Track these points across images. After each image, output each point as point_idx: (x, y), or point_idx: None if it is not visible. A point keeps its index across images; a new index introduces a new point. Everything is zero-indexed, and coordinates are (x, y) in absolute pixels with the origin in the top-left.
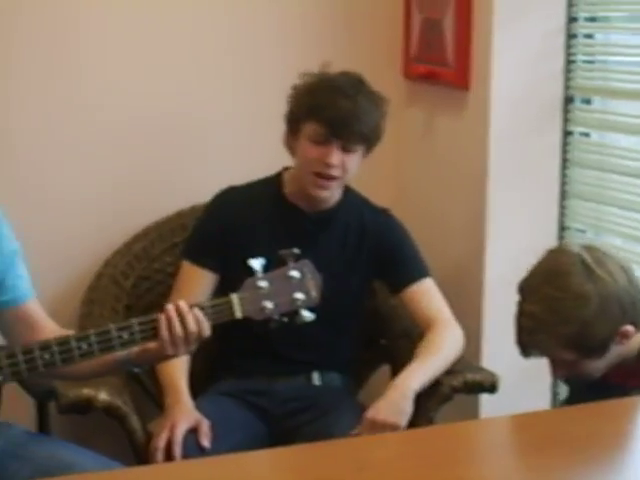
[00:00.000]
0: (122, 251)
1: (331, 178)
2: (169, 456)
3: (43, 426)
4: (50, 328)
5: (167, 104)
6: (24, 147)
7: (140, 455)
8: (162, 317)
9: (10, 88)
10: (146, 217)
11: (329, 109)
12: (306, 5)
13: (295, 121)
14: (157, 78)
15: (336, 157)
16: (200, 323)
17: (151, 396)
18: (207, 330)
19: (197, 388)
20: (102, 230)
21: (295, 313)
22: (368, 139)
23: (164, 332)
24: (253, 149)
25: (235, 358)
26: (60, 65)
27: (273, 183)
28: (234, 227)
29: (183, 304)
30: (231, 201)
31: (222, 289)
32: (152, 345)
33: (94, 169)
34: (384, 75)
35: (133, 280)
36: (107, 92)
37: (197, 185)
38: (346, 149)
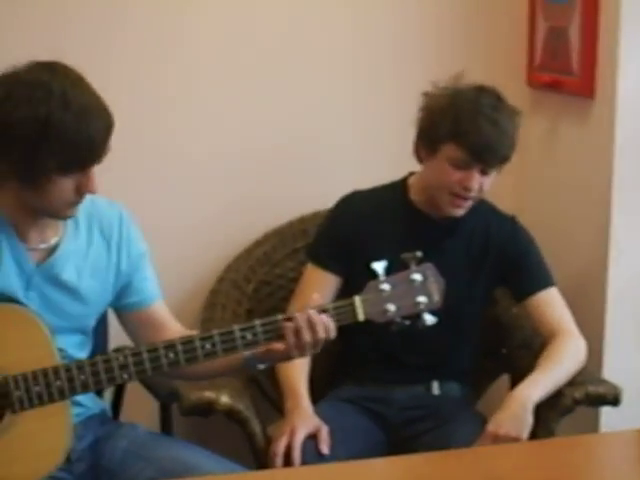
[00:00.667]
0: (244, 256)
1: (468, 198)
2: (288, 461)
3: (166, 427)
4: (176, 330)
5: (291, 110)
6: (151, 151)
7: (260, 459)
8: (290, 324)
9: (145, 101)
10: (268, 222)
11: (473, 135)
12: (428, 14)
13: (434, 139)
14: (283, 86)
15: (476, 181)
16: (327, 328)
17: (270, 400)
18: (333, 333)
19: (317, 393)
20: (224, 234)
21: (417, 316)
22: (507, 159)
23: (291, 338)
24: (376, 154)
25: (356, 365)
26: (190, 74)
27: (399, 188)
28: (358, 231)
29: (312, 312)
30: (356, 205)
31: (345, 293)
32: (277, 346)
33: (216, 174)
34: (508, 84)
35: (255, 284)
36: (233, 99)
37: (319, 190)
38: (485, 172)
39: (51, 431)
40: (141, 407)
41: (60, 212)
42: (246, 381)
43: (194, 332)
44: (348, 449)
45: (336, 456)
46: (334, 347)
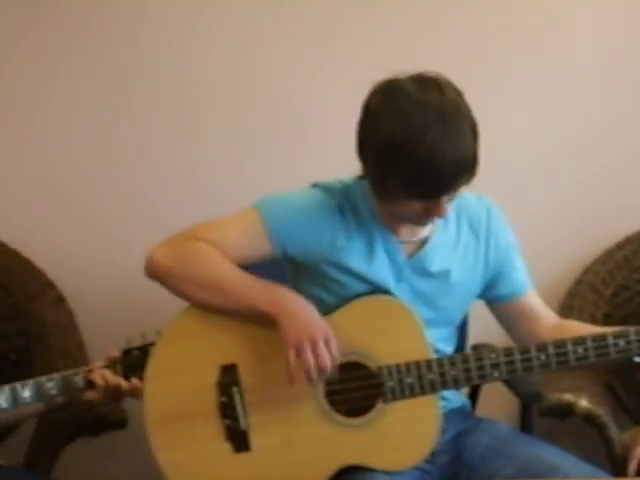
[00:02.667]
0: (602, 258)
1: None
2: None
3: (526, 426)
4: (551, 321)
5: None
6: (517, 149)
7: (617, 466)
8: None
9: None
10: (628, 225)
11: None
12: None
13: None
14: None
15: None
16: None
17: (625, 407)
18: None
19: None
20: (583, 237)
21: None
22: None
23: None
24: None
25: None
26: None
27: None
28: None
29: None
30: None
31: None
32: None
33: (580, 177)
34: None
35: (613, 289)
36: (595, 104)
37: None
38: None
39: (420, 422)
40: (498, 404)
41: (416, 224)
42: (604, 387)
43: (572, 322)
44: None
45: None
46: None
